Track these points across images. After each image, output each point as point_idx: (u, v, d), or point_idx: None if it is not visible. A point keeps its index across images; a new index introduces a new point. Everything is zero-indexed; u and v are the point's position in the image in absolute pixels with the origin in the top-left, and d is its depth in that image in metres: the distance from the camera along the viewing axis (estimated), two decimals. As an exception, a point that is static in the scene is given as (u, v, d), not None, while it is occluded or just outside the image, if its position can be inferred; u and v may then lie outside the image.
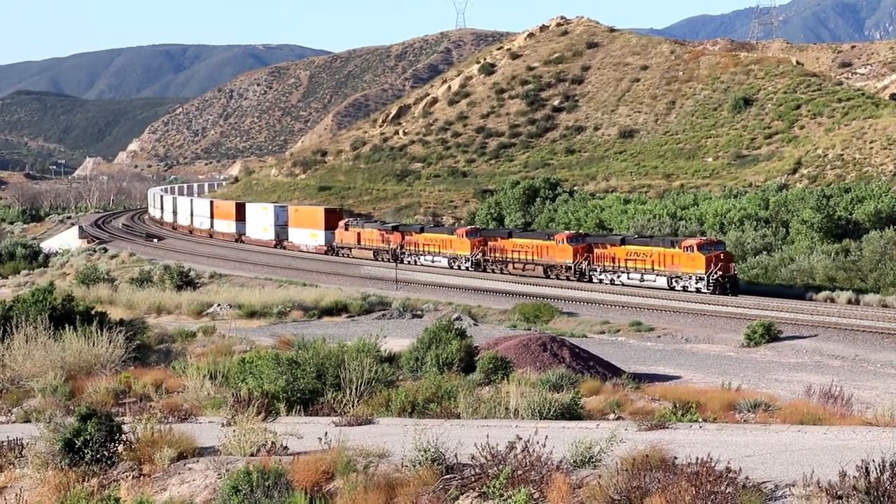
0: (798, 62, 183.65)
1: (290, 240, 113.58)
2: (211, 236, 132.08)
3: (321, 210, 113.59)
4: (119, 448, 19.81)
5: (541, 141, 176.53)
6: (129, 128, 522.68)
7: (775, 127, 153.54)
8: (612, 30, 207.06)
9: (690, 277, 70.38)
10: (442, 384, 26.88)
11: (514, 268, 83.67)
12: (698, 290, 69.67)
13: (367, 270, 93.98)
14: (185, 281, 78.21)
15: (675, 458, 14.64)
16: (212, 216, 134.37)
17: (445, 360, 34.64)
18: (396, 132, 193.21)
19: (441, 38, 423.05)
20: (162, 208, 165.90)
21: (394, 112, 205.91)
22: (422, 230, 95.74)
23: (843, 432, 19.27)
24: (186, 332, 49.90)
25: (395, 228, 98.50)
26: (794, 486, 13.05)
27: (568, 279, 78.55)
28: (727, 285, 69.65)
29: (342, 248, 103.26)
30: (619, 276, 75.21)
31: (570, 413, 23.68)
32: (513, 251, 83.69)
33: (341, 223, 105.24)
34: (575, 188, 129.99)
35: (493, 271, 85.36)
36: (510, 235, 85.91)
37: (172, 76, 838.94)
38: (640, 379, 37.47)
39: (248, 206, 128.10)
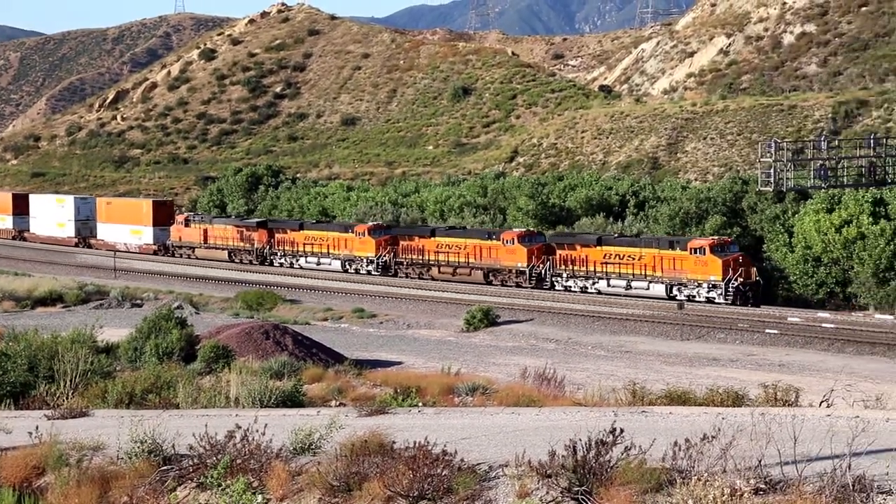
0: (514, 53, 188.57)
1: (99, 237, 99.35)
2: None
3: (148, 203, 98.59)
4: None
5: (263, 128, 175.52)
6: None
7: (493, 116, 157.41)
8: (333, 17, 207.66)
9: (700, 285, 60.19)
10: (161, 374, 26.46)
11: (440, 272, 72.20)
12: (710, 301, 59.69)
13: (83, 259, 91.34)
14: None
15: (394, 442, 14.84)
16: None
17: (165, 350, 34.13)
18: (114, 117, 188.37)
19: (160, 22, 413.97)
20: None
21: (111, 97, 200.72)
22: (301, 226, 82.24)
23: (554, 413, 19.94)
24: None
25: (261, 224, 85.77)
26: (507, 466, 13.43)
27: (519, 286, 67.69)
28: (749, 295, 59.75)
29: (181, 246, 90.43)
30: (594, 283, 64.52)
31: (292, 400, 23.70)
32: (437, 252, 72.20)
33: (180, 218, 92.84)
34: (298, 175, 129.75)
35: (409, 276, 73.81)
36: (433, 234, 73.48)
37: None
38: (362, 365, 37.84)
39: (32, 197, 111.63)
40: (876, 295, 60.40)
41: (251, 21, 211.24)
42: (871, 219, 62.17)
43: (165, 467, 15.46)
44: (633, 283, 62.65)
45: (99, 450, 16.61)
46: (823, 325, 52.96)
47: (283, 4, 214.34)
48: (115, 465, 15.88)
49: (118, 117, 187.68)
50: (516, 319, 58.10)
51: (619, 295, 62.70)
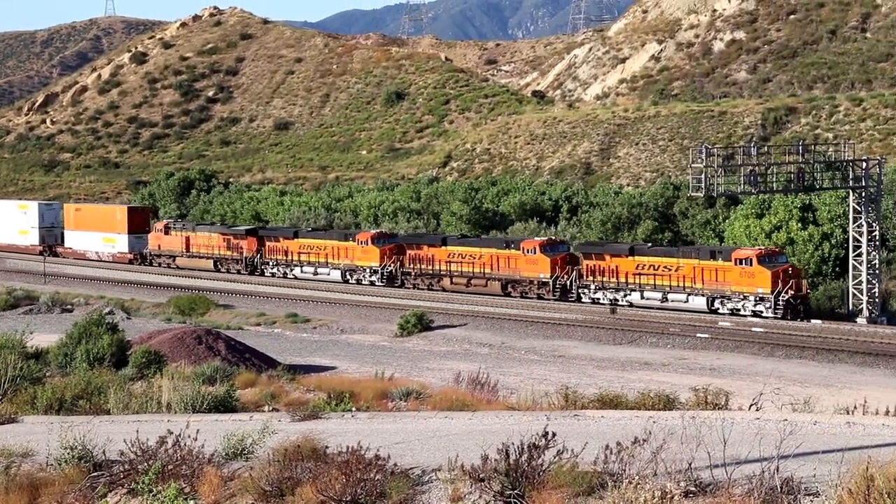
0: (447, 58, 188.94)
1: (67, 245, 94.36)
2: None
3: (122, 209, 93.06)
4: None
5: (195, 132, 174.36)
6: None
7: (426, 121, 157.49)
8: (265, 21, 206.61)
9: (746, 298, 56.71)
10: (92, 380, 26.24)
11: (452, 283, 68.39)
12: (756, 315, 56.22)
13: (12, 263, 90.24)
14: None
15: (327, 447, 14.82)
16: None
17: (96, 355, 33.90)
18: (43, 121, 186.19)
19: (90, 25, 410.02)
20: None
21: (40, 100, 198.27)
22: (296, 235, 77.59)
23: (487, 417, 20.02)
24: None
25: (250, 232, 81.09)
26: (440, 470, 13.48)
27: (541, 298, 64.15)
28: (800, 308, 56.20)
29: (160, 255, 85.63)
30: (626, 295, 61.17)
31: (225, 406, 23.58)
32: (449, 262, 68.42)
33: (159, 225, 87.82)
34: (231, 180, 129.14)
35: (418, 287, 69.85)
36: (444, 242, 69.50)
37: None
38: (296, 370, 37.81)
39: None
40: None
41: (183, 24, 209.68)
42: (799, 224, 63.08)
43: (96, 473, 15.33)
44: (670, 296, 59.52)
45: (28, 456, 16.46)
46: (753, 329, 53.57)
47: (215, 8, 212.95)
48: (45, 471, 15.74)
49: (48, 121, 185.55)
50: (450, 324, 58.19)
51: (654, 308, 59.72)
